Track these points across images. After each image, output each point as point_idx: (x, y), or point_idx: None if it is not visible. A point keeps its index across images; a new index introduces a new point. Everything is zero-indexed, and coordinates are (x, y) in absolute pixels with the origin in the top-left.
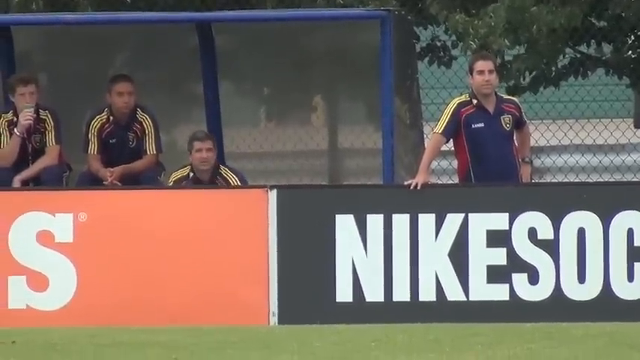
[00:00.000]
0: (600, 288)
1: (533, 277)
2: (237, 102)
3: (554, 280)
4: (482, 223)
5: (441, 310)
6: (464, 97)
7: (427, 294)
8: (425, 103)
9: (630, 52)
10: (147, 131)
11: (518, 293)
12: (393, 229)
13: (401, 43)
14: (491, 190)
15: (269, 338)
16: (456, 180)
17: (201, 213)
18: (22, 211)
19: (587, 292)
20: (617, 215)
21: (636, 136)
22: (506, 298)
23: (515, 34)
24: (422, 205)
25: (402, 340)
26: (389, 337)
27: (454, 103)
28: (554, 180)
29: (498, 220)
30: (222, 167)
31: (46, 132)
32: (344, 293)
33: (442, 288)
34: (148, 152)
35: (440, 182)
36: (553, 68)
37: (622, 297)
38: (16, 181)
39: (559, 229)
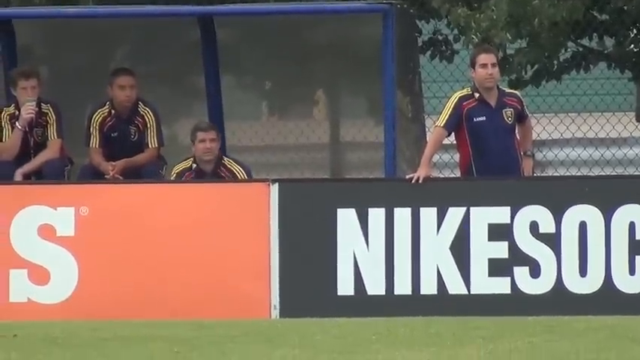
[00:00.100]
0: (602, 281)
1: (535, 271)
2: (238, 95)
3: (555, 274)
4: (483, 216)
5: (443, 304)
6: (466, 91)
7: (428, 287)
8: (427, 96)
9: (632, 45)
10: (148, 125)
11: (519, 287)
12: (395, 222)
13: (403, 37)
14: (492, 184)
15: (270, 331)
16: (457, 174)
17: (203, 207)
18: (23, 204)
19: (588, 285)
20: (618, 209)
21: (638, 129)
22: (508, 291)
23: (517, 28)
24: (424, 198)
25: (403, 333)
26: (390, 330)
27: (456, 96)
28: (555, 174)
29: (500, 214)
30: (225, 158)
31: (48, 125)
32: (345, 286)
33: (443, 281)
34: (150, 146)
35: (442, 176)
36: (555, 62)
37: (623, 290)
38: (18, 174)
39: (560, 222)
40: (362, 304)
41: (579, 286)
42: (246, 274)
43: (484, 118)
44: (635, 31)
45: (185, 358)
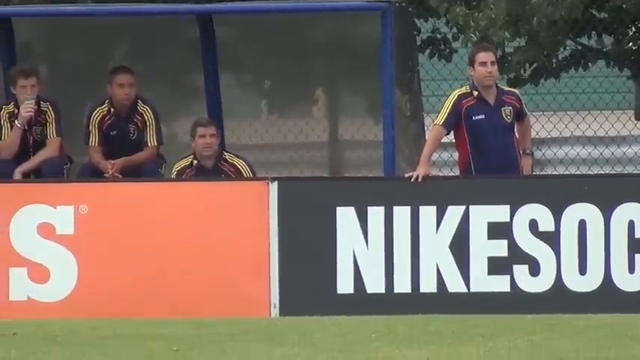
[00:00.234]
0: (601, 280)
1: (534, 269)
2: (237, 94)
3: (555, 272)
4: (483, 215)
5: (442, 302)
6: (464, 89)
7: (428, 285)
8: (425, 94)
9: (631, 43)
10: (148, 123)
11: (519, 285)
12: (394, 221)
13: (402, 35)
14: (492, 182)
15: (270, 330)
16: (457, 172)
17: (203, 205)
18: (23, 203)
19: (588, 283)
20: (618, 207)
21: (637, 127)
22: (507, 289)
23: (515, 27)
24: (423, 197)
25: (402, 331)
26: (390, 328)
27: (455, 94)
28: (555, 172)
29: (499, 212)
30: (226, 153)
31: (47, 124)
32: (345, 285)
33: (443, 279)
34: (149, 144)
35: (441, 174)
36: (554, 60)
37: (623, 289)
38: (17, 173)
39: (560, 221)
40: (361, 302)
41: (579, 284)
42: (245, 273)
43: (483, 117)
44: (633, 29)
45: (185, 357)
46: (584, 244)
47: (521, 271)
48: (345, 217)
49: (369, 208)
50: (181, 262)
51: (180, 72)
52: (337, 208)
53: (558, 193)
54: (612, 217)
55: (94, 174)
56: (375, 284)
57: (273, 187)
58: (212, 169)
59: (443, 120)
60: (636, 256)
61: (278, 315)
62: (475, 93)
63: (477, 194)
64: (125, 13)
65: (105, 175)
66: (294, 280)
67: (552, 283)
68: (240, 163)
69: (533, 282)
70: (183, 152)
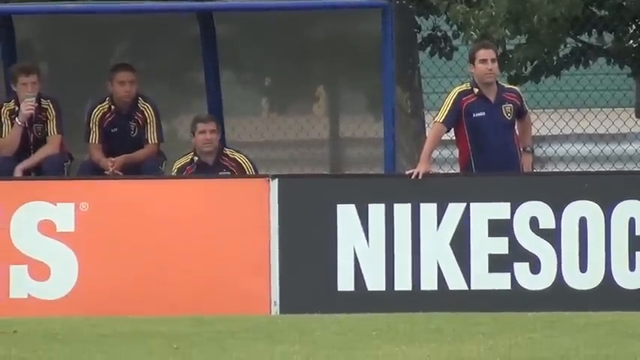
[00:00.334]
0: (602, 277)
1: (535, 267)
2: (238, 91)
3: (555, 270)
4: (483, 212)
5: (443, 300)
6: (465, 86)
7: (429, 283)
8: (426, 92)
9: (631, 41)
10: (148, 120)
11: (519, 282)
12: (395, 218)
13: (402, 33)
14: (492, 180)
15: (270, 328)
16: (457, 169)
17: (203, 202)
18: (23, 200)
19: (588, 281)
20: (618, 205)
21: (637, 125)
22: (508, 287)
23: (516, 24)
24: (423, 194)
25: (403, 329)
26: (390, 326)
27: (455, 92)
28: (555, 169)
29: (500, 210)
30: (226, 149)
31: (48, 121)
32: (345, 282)
33: (444, 277)
34: (150, 141)
35: (441, 171)
36: (554, 58)
37: (623, 286)
38: (18, 170)
39: (560, 218)
40: (362, 299)
41: (579, 281)
42: (246, 270)
43: (483, 114)
44: (634, 26)
45: (185, 354)
46: (585, 241)
47: (521, 268)
48: (346, 214)
49: (369, 205)
50: (182, 259)
51: (181, 69)
52: (338, 205)
53: (559, 190)
54: (613, 214)
55: (95, 171)
56: (375, 282)
57: (274, 184)
58: (213, 165)
59: (443, 117)
60: (637, 253)
61: (278, 312)
62: (475, 90)
63: (477, 192)
64: (126, 11)
65: (105, 172)
66: (294, 278)
67: (553, 280)
68: (241, 158)
69: (534, 279)
70: (184, 150)
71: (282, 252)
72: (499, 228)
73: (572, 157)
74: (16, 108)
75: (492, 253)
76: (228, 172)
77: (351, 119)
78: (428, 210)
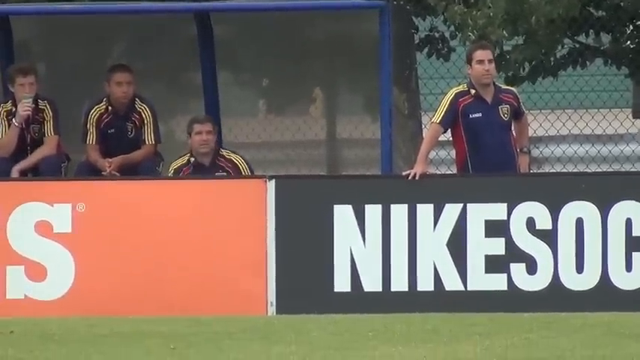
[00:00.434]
0: (598, 278)
1: (532, 267)
2: (235, 92)
3: (552, 270)
4: (480, 213)
5: (439, 300)
6: (462, 87)
7: (425, 284)
8: (423, 93)
9: (629, 42)
10: (145, 121)
11: (516, 283)
12: (391, 219)
13: (399, 34)
14: (489, 180)
15: (267, 328)
16: (454, 170)
17: (200, 203)
18: (20, 201)
19: (585, 282)
20: (615, 205)
21: (635, 126)
22: (505, 288)
23: (513, 25)
24: (420, 195)
25: (400, 329)
26: (387, 326)
27: (452, 92)
28: (552, 170)
29: (496, 210)
30: (223, 150)
31: (45, 122)
32: (342, 283)
33: (440, 278)
34: (147, 142)
35: (438, 172)
36: (551, 58)
37: (620, 287)
38: (15, 171)
39: (557, 219)
40: (358, 300)
41: (576, 282)
42: (242, 271)
43: (480, 115)
44: (631, 27)
45: (182, 355)
46: (582, 242)
47: (518, 269)
48: (343, 215)
49: (366, 206)
50: (179, 260)
51: (178, 70)
52: (334, 206)
53: (556, 191)
54: (609, 215)
55: (92, 172)
56: (372, 282)
57: (271, 185)
58: (209, 166)
59: (440, 118)
60: (633, 254)
61: (275, 313)
62: (472, 91)
63: (474, 192)
64: (123, 12)
65: (102, 173)
66: (291, 278)
67: (549, 281)
68: (237, 158)
69: (531, 280)
70: (181, 150)
71: (278, 253)
72: (496, 229)
73: (569, 158)
74: (14, 109)
75: (489, 253)
76: (225, 173)
77: (348, 120)
78: (424, 211)
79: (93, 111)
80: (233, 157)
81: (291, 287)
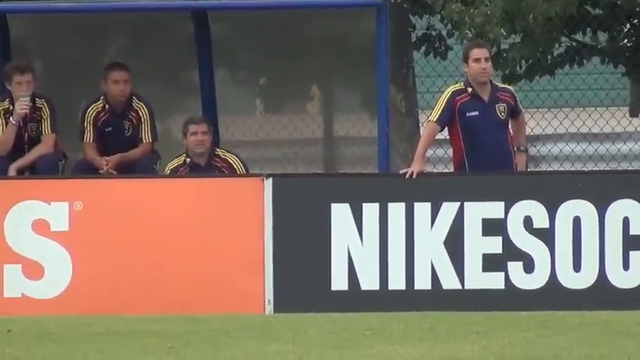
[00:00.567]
0: (595, 276)
1: (529, 266)
2: (232, 90)
3: (549, 269)
4: (477, 211)
5: (436, 299)
6: (459, 86)
7: (422, 282)
8: (420, 91)
9: (626, 40)
10: (142, 119)
11: (513, 282)
12: (389, 217)
13: (397, 32)
14: (486, 179)
15: (264, 326)
16: (451, 168)
17: (197, 202)
18: (17, 199)
19: (582, 280)
20: (612, 204)
21: (631, 124)
22: (502, 286)
23: (511, 23)
24: (417, 193)
25: (397, 328)
26: (384, 325)
27: (449, 91)
28: (549, 169)
29: (494, 209)
30: (218, 150)
31: (42, 120)
32: (339, 281)
33: (437, 276)
34: (144, 141)
35: (435, 171)
36: (549, 57)
37: (617, 285)
38: (12, 169)
39: (554, 217)
40: (356, 299)
41: (573, 281)
42: (240, 269)
43: (477, 113)
44: (628, 25)
45: (179, 353)
46: (579, 240)
47: (515, 267)
48: (340, 213)
49: (363, 204)
50: (176, 258)
51: (175, 68)
52: (332, 204)
53: (553, 189)
54: (607, 213)
55: (89, 170)
56: (369, 281)
57: (268, 183)
58: (205, 166)
59: (437, 116)
60: (631, 253)
61: (272, 312)
62: (469, 89)
63: (471, 191)
64: (120, 10)
65: (100, 171)
66: (288, 277)
67: (547, 279)
68: (232, 158)
69: (528, 279)
70: (178, 149)
71: (276, 251)
72: (493, 227)
73: (566, 157)
74: (11, 107)
75: (486, 252)
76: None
77: (345, 118)
78: (422, 209)
79: (90, 109)
80: (228, 156)
81: (289, 286)
